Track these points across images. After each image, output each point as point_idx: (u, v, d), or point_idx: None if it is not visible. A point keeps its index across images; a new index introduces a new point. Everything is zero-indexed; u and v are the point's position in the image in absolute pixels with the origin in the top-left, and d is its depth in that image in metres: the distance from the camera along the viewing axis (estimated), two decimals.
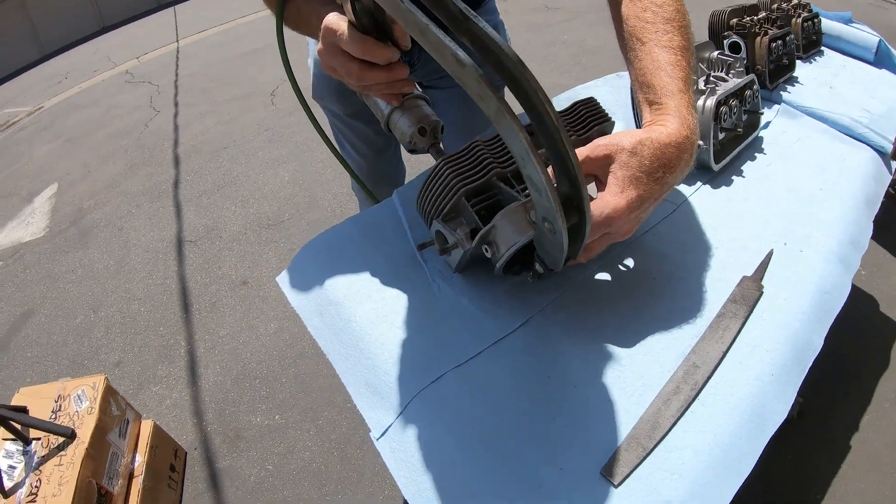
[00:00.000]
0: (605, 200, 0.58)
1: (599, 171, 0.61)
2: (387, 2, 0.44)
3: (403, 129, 0.79)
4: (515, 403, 0.60)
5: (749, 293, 0.69)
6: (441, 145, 0.82)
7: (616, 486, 0.53)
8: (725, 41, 1.18)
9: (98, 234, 3.38)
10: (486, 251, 0.64)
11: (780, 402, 0.59)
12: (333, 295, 0.73)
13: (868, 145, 1.07)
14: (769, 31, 1.15)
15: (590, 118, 0.76)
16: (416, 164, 1.55)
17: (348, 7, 0.61)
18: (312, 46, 1.17)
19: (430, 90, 1.19)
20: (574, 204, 0.51)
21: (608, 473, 0.53)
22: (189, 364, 2.26)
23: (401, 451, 0.58)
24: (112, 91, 5.97)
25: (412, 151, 0.82)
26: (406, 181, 1.17)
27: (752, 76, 1.00)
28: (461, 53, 0.41)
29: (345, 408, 1.94)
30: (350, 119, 1.22)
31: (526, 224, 0.59)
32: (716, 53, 1.07)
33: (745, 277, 0.72)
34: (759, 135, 1.04)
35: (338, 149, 1.29)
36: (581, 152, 0.61)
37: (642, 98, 0.66)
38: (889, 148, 1.07)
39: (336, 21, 0.64)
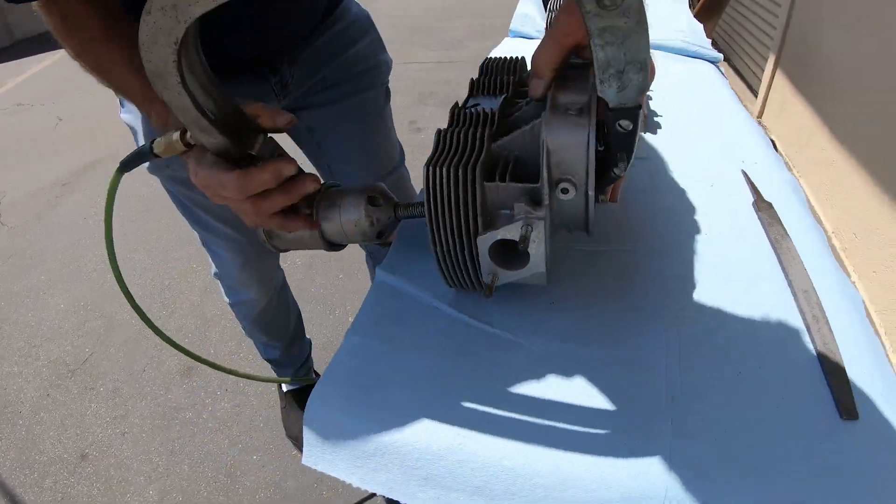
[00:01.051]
0: None
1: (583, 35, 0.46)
2: None
3: (357, 220, 0.60)
4: None
5: (770, 213, 0.72)
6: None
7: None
8: None
9: None
10: (566, 192, 0.48)
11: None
12: (423, 446, 0.51)
13: (702, 59, 1.21)
14: None
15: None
16: None
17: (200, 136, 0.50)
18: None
19: (310, 111, 1.00)
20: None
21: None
22: None
23: None
24: None
25: (380, 236, 0.63)
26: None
27: None
28: None
29: None
30: None
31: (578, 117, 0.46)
32: None
33: (754, 202, 0.75)
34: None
35: (200, 239, 1.07)
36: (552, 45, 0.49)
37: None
38: (720, 57, 1.22)
39: (195, 168, 0.54)
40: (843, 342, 0.53)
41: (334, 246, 0.64)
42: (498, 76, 0.63)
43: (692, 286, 0.62)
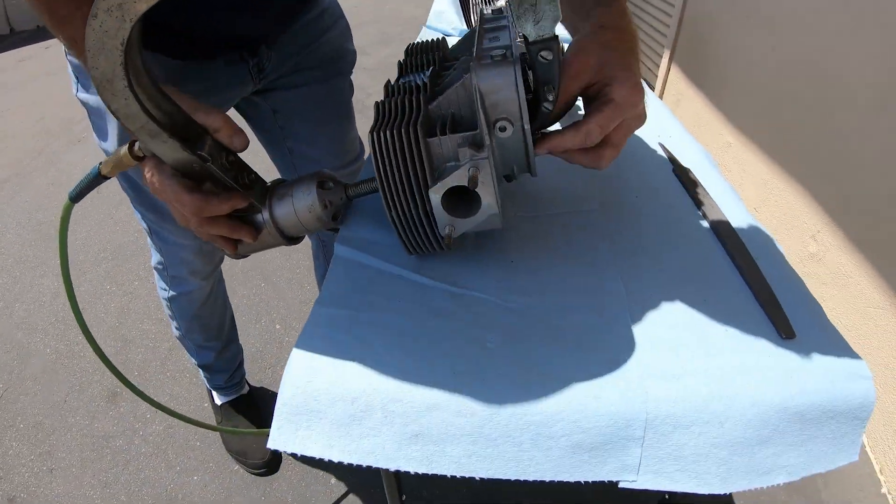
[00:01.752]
0: (620, 86, 0.53)
1: (595, 76, 0.55)
2: None
3: (311, 205, 0.61)
4: None
5: (689, 177, 0.79)
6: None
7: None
8: None
9: None
10: (504, 129, 0.51)
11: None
12: (407, 402, 0.51)
13: None
14: None
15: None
16: None
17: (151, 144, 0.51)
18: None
19: (277, 93, 1.00)
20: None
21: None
22: None
23: None
24: None
25: (335, 218, 0.65)
26: None
27: None
28: None
29: None
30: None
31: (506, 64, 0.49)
32: None
33: (674, 169, 0.81)
34: None
35: (148, 228, 1.04)
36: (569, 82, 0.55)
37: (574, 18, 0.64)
38: None
39: (152, 174, 0.55)
40: (769, 277, 0.60)
41: (292, 240, 0.65)
42: (423, 55, 0.67)
43: (636, 240, 0.67)
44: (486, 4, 1.48)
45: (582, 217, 0.71)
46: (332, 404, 0.51)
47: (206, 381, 1.54)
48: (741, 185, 2.02)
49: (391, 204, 0.55)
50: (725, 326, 0.55)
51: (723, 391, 0.48)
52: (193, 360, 1.46)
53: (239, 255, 0.66)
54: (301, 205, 0.60)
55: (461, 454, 0.50)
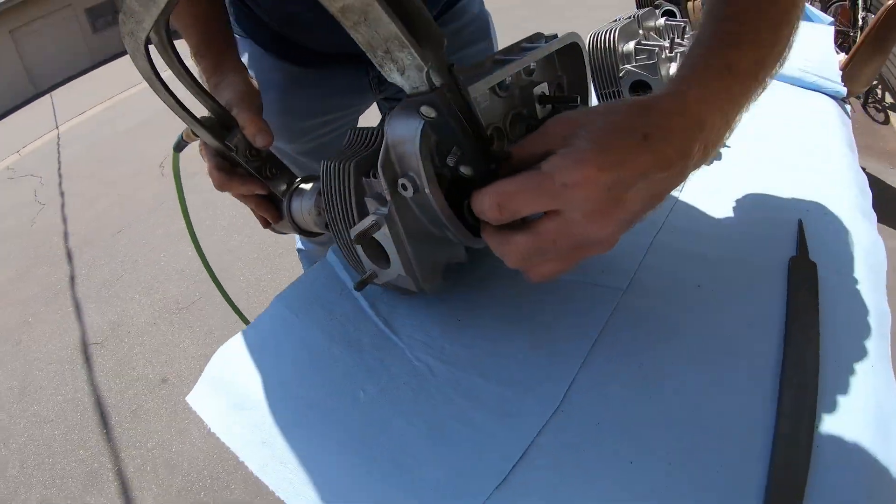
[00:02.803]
0: (563, 155, 0.37)
1: (559, 143, 0.39)
2: None
3: (309, 209, 0.62)
4: None
5: (807, 276, 0.55)
6: None
7: None
8: (657, 10, 1.10)
9: None
10: (405, 188, 0.43)
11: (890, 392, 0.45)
12: (277, 415, 0.52)
13: (821, 93, 1.00)
14: None
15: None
16: None
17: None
18: None
19: None
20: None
21: None
22: (121, 489, 1.92)
23: None
24: None
25: (328, 227, 0.63)
26: None
27: None
28: None
29: None
30: (301, 157, 1.02)
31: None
32: (662, 20, 0.97)
33: (792, 258, 0.57)
34: None
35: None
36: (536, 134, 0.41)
37: None
38: (843, 91, 1.01)
39: (200, 150, 0.64)
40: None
41: (308, 233, 0.66)
42: None
43: (651, 352, 0.48)
44: None
45: (596, 293, 0.54)
46: (237, 401, 0.54)
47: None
48: None
49: (333, 231, 0.53)
50: None
51: None
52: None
53: (275, 230, 0.72)
54: (305, 205, 0.62)
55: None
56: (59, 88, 8.90)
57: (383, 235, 0.46)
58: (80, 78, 10.64)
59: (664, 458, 0.40)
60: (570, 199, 0.36)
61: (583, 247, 0.39)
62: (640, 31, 0.95)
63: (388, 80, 0.37)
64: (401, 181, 0.43)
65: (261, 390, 0.55)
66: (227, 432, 0.53)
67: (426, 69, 0.35)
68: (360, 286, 0.50)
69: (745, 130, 0.74)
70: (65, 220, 4.26)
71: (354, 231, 0.45)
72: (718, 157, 0.69)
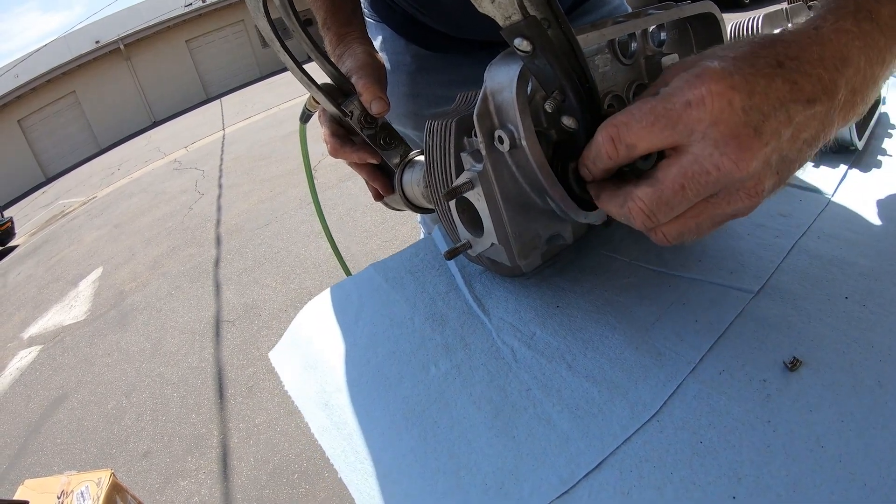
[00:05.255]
0: (685, 76, 0.30)
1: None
2: None
3: (418, 181, 0.60)
4: None
5: None
6: None
7: None
8: (810, 8, 0.98)
9: (136, 317, 3.29)
10: (501, 141, 0.39)
11: None
12: (344, 378, 0.50)
13: None
14: None
15: None
16: None
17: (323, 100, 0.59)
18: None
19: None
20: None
21: None
22: (221, 456, 2.03)
23: None
24: (160, 178, 6.14)
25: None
26: None
27: None
28: None
29: None
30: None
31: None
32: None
33: None
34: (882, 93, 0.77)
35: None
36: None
37: None
38: None
39: (319, 117, 0.66)
40: None
41: (418, 208, 0.64)
42: None
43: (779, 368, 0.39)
44: None
45: (719, 293, 0.46)
46: (311, 360, 0.53)
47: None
48: None
49: (433, 197, 0.50)
50: None
51: None
52: None
53: (387, 205, 0.71)
54: (415, 177, 0.59)
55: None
56: (229, 95, 9.89)
57: (476, 195, 0.41)
58: (248, 87, 11.77)
59: (777, 500, 0.32)
60: (696, 123, 0.29)
61: (719, 197, 0.32)
62: (789, 24, 0.85)
63: (480, 10, 0.33)
64: (497, 133, 0.39)
65: (333, 352, 0.53)
66: (299, 392, 0.52)
67: None
68: (450, 254, 0.46)
69: None
70: (219, 209, 4.68)
71: (455, 189, 0.42)
72: (878, 164, 0.58)
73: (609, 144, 0.32)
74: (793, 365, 0.38)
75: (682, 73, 0.31)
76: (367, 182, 0.68)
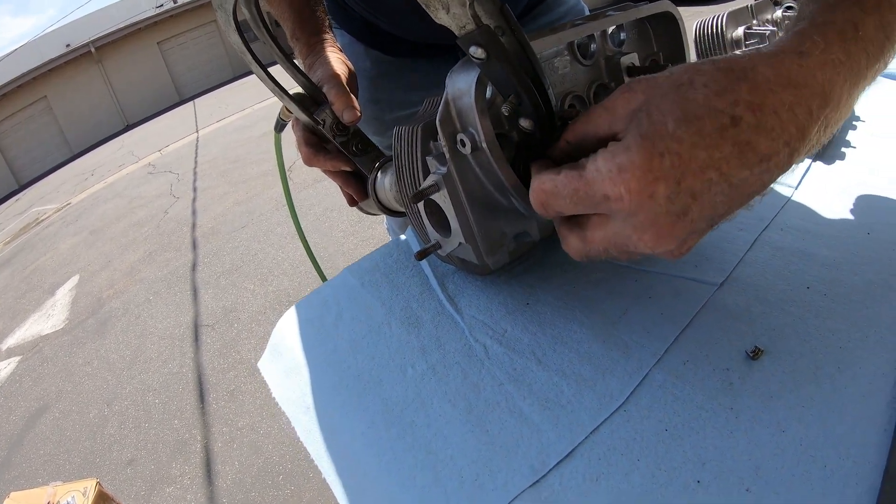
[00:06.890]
0: (607, 157, 0.30)
1: (622, 123, 0.31)
2: None
3: (389, 186, 0.60)
4: None
5: None
6: None
7: None
8: (777, 6, 0.99)
9: (115, 324, 3.25)
10: (463, 144, 0.39)
11: None
12: (326, 383, 0.51)
13: None
14: None
15: None
16: None
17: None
18: None
19: None
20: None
21: None
22: (205, 460, 2.02)
23: None
24: (135, 183, 6.06)
25: None
26: None
27: None
28: None
29: None
30: (389, 151, 1.04)
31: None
32: (779, 12, 0.87)
33: None
34: None
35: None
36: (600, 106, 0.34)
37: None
38: None
39: (293, 126, 0.66)
40: None
41: (392, 212, 0.64)
42: None
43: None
44: None
45: (683, 286, 0.47)
46: (292, 366, 0.54)
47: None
48: None
49: (403, 200, 0.52)
50: None
51: None
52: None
53: (362, 210, 0.72)
54: (387, 181, 0.60)
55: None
56: (202, 97, 9.78)
57: (442, 197, 0.43)
58: (221, 88, 11.66)
59: (740, 484, 0.33)
60: (616, 211, 0.30)
61: (642, 256, 0.33)
62: (754, 21, 0.86)
63: (436, 21, 0.34)
64: (459, 136, 0.40)
65: (313, 357, 0.54)
66: (284, 398, 0.53)
67: (471, 1, 0.32)
68: (420, 255, 0.47)
69: (872, 128, 0.64)
70: (195, 212, 4.63)
71: (422, 193, 0.43)
72: (842, 156, 0.60)
73: (540, 207, 0.35)
74: (755, 354, 0.39)
75: (608, 151, 0.30)
76: (341, 188, 0.69)
